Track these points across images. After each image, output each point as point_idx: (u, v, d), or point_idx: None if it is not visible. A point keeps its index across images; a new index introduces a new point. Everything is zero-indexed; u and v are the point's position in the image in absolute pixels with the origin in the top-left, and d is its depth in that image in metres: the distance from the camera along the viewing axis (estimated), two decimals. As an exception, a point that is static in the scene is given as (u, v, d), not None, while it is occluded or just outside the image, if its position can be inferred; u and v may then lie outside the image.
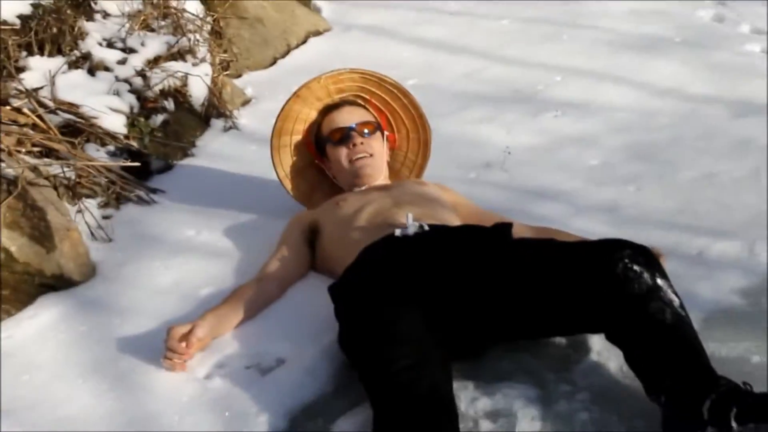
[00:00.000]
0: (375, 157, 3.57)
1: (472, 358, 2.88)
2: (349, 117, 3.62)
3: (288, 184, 3.70)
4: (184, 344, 2.80)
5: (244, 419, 2.70)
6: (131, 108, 4.20)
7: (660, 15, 5.85)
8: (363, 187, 3.51)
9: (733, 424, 2.34)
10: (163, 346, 2.85)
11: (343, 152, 3.56)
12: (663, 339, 2.59)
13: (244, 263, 3.37)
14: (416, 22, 5.87)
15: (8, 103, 3.79)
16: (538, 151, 4.29)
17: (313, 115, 3.70)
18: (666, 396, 2.52)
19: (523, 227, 3.26)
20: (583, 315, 2.76)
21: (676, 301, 2.64)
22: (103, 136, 4.00)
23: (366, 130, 3.59)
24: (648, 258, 2.71)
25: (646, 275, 2.65)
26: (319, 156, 3.70)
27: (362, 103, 3.72)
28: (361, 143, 3.55)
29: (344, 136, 3.56)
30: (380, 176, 3.58)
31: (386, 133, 3.70)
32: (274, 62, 5.31)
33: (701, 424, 2.39)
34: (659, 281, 2.65)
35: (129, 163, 3.95)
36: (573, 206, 3.72)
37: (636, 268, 2.65)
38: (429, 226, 3.07)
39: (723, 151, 4.20)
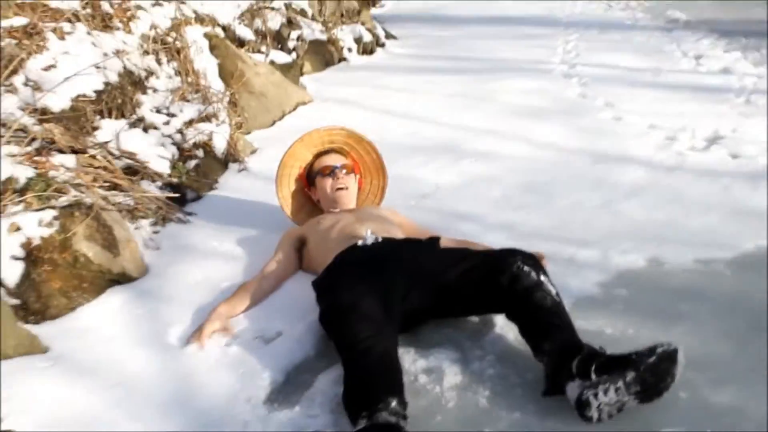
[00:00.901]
0: (349, 190, 3.59)
1: (413, 332, 2.88)
2: (335, 159, 3.65)
3: (285, 205, 3.70)
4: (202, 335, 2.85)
5: (253, 374, 2.72)
6: (173, 155, 4.18)
7: (542, 92, 5.90)
8: (337, 210, 3.51)
9: (593, 376, 2.39)
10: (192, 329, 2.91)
11: (328, 183, 3.57)
12: (544, 317, 2.65)
13: (251, 264, 3.37)
14: (373, 96, 5.90)
15: (87, 152, 3.77)
16: (459, 186, 4.30)
17: (308, 156, 3.71)
18: (547, 357, 2.57)
19: (448, 239, 3.27)
20: (489, 301, 2.81)
21: (553, 291, 2.70)
22: (153, 175, 3.98)
23: (345, 170, 3.61)
24: (534, 261, 2.76)
25: (533, 274, 2.71)
26: (308, 186, 3.69)
27: (345, 152, 3.73)
28: (341, 178, 3.57)
29: (331, 171, 3.58)
30: (351, 205, 3.59)
31: (357, 175, 3.70)
32: (273, 124, 5.29)
33: (571, 376, 2.45)
34: (542, 278, 2.71)
35: (171, 194, 3.93)
36: (482, 225, 3.73)
37: (525, 268, 2.71)
38: (382, 238, 3.10)
39: (585, 187, 4.23)
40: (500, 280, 2.72)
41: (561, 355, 2.52)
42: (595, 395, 2.36)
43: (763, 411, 2.44)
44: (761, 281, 3.19)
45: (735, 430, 2.37)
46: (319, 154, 3.70)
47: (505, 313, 2.79)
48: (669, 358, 2.37)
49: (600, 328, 2.90)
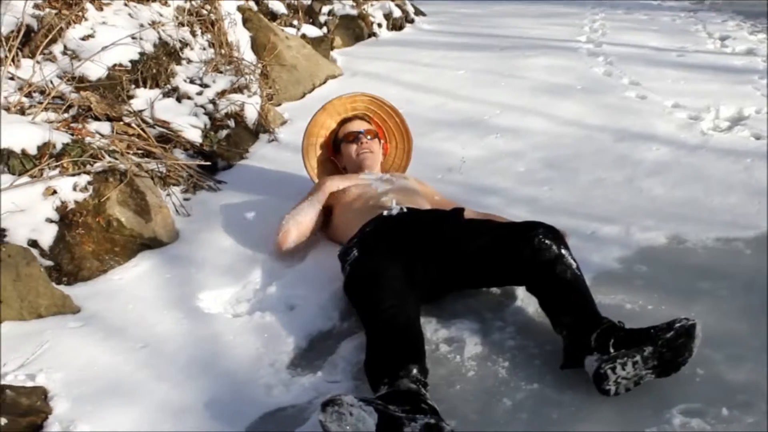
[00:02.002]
0: (374, 154, 3.56)
1: (435, 302, 2.86)
2: (359, 125, 3.62)
3: (313, 174, 3.68)
4: None
5: (277, 339, 2.72)
6: (205, 125, 4.18)
7: (567, 70, 5.84)
8: (364, 174, 3.47)
9: (611, 350, 2.37)
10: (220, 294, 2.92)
11: (353, 148, 3.55)
12: (564, 291, 2.61)
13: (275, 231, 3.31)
14: (401, 70, 5.87)
15: (122, 120, 3.78)
16: (483, 161, 4.27)
17: (332, 124, 3.69)
18: (566, 330, 2.55)
19: (472, 211, 3.23)
20: (511, 273, 2.77)
21: (574, 265, 2.65)
22: (185, 144, 3.98)
23: (369, 136, 3.59)
24: (556, 235, 2.71)
25: (554, 247, 2.66)
26: (334, 153, 3.68)
27: (368, 118, 3.69)
28: (366, 143, 3.55)
29: (355, 137, 3.56)
30: (376, 168, 3.55)
31: (381, 141, 3.68)
32: (303, 96, 5.28)
33: (589, 350, 2.42)
34: (563, 251, 2.66)
35: (203, 162, 3.94)
36: (506, 199, 3.70)
37: (547, 241, 2.67)
38: (407, 208, 3.06)
39: (608, 164, 4.19)
40: (522, 252, 2.68)
41: (580, 329, 2.50)
42: (613, 369, 2.33)
43: (781, 389, 2.40)
44: (783, 261, 3.15)
45: (750, 406, 2.32)
46: (343, 122, 3.68)
47: (526, 285, 2.75)
48: (687, 333, 2.34)
49: (620, 303, 2.86)
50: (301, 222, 3.19)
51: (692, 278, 3.05)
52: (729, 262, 3.18)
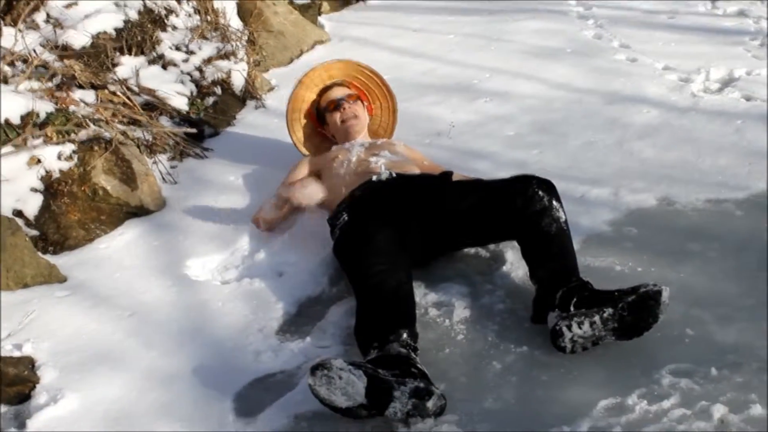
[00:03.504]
0: (359, 118, 3.51)
1: (425, 266, 2.86)
2: (339, 92, 3.56)
3: (301, 147, 3.63)
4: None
5: (266, 306, 2.73)
6: (191, 92, 4.14)
7: (557, 33, 5.77)
8: (352, 141, 3.43)
9: (571, 309, 2.41)
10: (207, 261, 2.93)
11: (337, 116, 3.49)
12: (545, 244, 2.64)
13: (265, 195, 3.33)
14: (390, 35, 5.79)
15: (106, 88, 3.74)
16: (473, 125, 4.22)
17: (312, 96, 3.62)
18: (538, 284, 2.60)
19: (460, 176, 3.20)
20: (503, 225, 2.77)
21: (562, 218, 2.68)
22: (171, 111, 3.95)
23: (351, 100, 3.53)
24: (549, 186, 2.74)
25: (545, 198, 2.68)
26: (319, 124, 3.63)
27: (347, 84, 3.64)
28: (348, 108, 3.50)
29: (336, 105, 3.51)
30: (363, 132, 3.51)
31: (365, 102, 3.63)
32: (291, 62, 5.21)
33: (552, 306, 2.47)
34: (554, 203, 2.69)
35: (189, 130, 3.89)
36: (496, 163, 3.67)
37: (540, 192, 2.69)
38: (396, 173, 3.05)
39: (598, 127, 4.15)
40: (515, 202, 2.69)
41: (549, 284, 2.54)
42: (569, 327, 2.37)
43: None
44: (770, 221, 3.16)
45: (739, 366, 2.34)
46: (323, 90, 3.61)
47: (515, 238, 2.76)
48: (652, 298, 2.36)
49: (609, 266, 2.86)
50: (269, 220, 3.13)
51: (682, 240, 3.05)
52: (719, 223, 3.17)
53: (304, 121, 3.64)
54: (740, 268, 2.85)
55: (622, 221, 3.20)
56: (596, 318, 2.35)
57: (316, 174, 3.34)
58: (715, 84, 4.73)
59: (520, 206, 2.68)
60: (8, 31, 3.66)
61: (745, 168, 3.59)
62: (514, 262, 2.88)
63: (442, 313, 2.67)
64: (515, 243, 2.79)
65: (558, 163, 3.70)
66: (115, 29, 4.12)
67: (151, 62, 4.17)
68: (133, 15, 4.26)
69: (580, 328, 2.36)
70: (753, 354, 2.39)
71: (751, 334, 2.48)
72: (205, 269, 2.91)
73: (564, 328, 2.37)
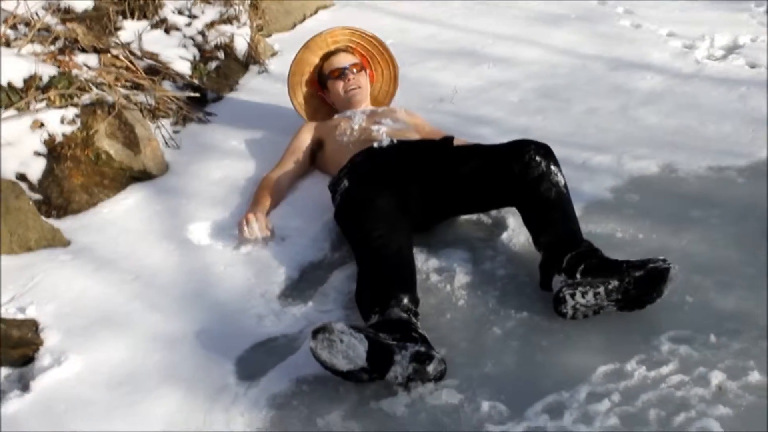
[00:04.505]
0: (362, 89, 3.49)
1: (426, 231, 2.86)
2: (343, 60, 3.52)
3: (301, 111, 3.61)
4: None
5: (269, 270, 2.73)
6: (194, 57, 4.12)
7: (562, -2, 5.78)
8: (353, 110, 3.41)
9: (578, 276, 2.41)
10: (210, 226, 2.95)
11: (340, 85, 3.46)
12: (546, 210, 2.63)
13: (268, 164, 3.31)
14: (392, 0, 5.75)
15: (109, 52, 3.72)
16: (476, 91, 4.21)
17: (315, 60, 3.58)
18: (543, 249, 2.59)
19: (462, 141, 3.20)
20: (502, 192, 2.76)
21: (561, 182, 2.67)
22: (174, 76, 3.93)
23: (355, 69, 3.50)
24: (546, 151, 2.72)
25: (543, 163, 2.67)
26: (321, 89, 3.60)
27: (351, 50, 3.61)
28: (352, 78, 3.47)
29: (341, 74, 3.47)
30: (365, 102, 3.50)
31: (367, 70, 3.60)
32: (293, 27, 5.17)
33: (558, 270, 2.47)
34: (552, 168, 2.67)
35: (192, 94, 3.88)
36: (499, 129, 3.64)
37: (537, 158, 2.67)
38: (397, 140, 3.04)
39: (602, 93, 4.15)
40: (513, 168, 2.68)
41: (555, 249, 2.54)
42: (572, 295, 2.37)
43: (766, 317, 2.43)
44: (773, 189, 3.15)
45: (738, 333, 2.35)
46: (327, 56, 3.58)
47: (515, 204, 2.76)
48: (659, 274, 2.36)
49: (611, 232, 2.86)
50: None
51: (684, 207, 3.05)
52: (721, 190, 3.17)
53: (305, 88, 3.62)
54: (741, 235, 2.86)
55: (624, 188, 3.20)
56: (601, 289, 2.36)
57: (319, 141, 3.33)
58: (719, 51, 4.73)
59: (518, 172, 2.67)
60: (10, -6, 3.64)
61: (748, 135, 3.60)
62: (515, 228, 2.87)
63: (443, 278, 2.67)
64: (515, 209, 2.78)
65: (561, 129, 3.70)
66: (119, -8, 4.10)
67: (154, 26, 4.15)
68: (137, -22, 4.24)
69: (584, 297, 2.37)
70: (752, 322, 2.40)
71: (751, 301, 2.49)
72: (208, 234, 2.90)
73: (568, 296, 2.38)
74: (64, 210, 2.98)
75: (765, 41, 4.75)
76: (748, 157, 3.41)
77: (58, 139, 3.02)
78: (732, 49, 4.71)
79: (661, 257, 2.40)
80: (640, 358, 2.26)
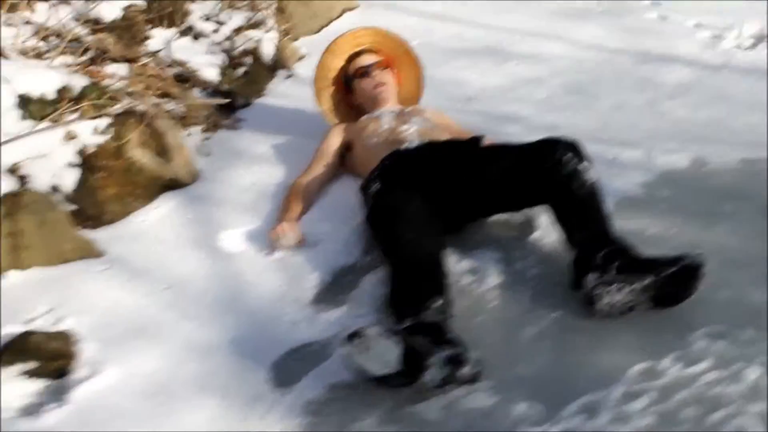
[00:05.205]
0: (388, 86, 3.48)
1: (457, 232, 2.84)
2: (367, 59, 3.52)
3: (328, 115, 3.60)
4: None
5: (301, 276, 2.73)
6: (222, 63, 4.10)
7: (587, -8, 5.75)
8: (382, 109, 3.39)
9: (611, 273, 2.39)
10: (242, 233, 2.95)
11: (365, 83, 3.47)
12: (578, 208, 2.61)
13: (296, 167, 3.32)
14: (417, 0, 5.73)
15: (138, 61, 3.73)
16: (503, 88, 4.20)
17: (340, 63, 3.58)
18: (577, 246, 2.56)
19: (491, 141, 3.15)
20: (533, 191, 2.74)
21: (592, 180, 2.64)
22: (203, 83, 3.93)
23: (379, 67, 3.50)
24: (576, 149, 2.69)
25: (573, 161, 2.64)
26: (347, 91, 3.58)
27: (375, 51, 3.59)
28: (377, 76, 3.47)
29: (365, 72, 3.48)
30: (392, 100, 3.47)
31: (393, 69, 3.58)
32: (320, 30, 5.15)
33: (591, 268, 2.43)
34: (580, 166, 2.64)
35: (221, 101, 3.88)
36: (527, 127, 3.62)
37: (567, 155, 2.65)
38: (427, 141, 3.04)
39: (629, 87, 4.13)
40: (543, 167, 2.66)
41: (588, 246, 2.51)
42: (608, 292, 2.37)
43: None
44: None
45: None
46: (351, 57, 3.57)
47: (548, 202, 2.73)
48: (692, 271, 2.36)
49: (642, 228, 2.83)
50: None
51: (715, 200, 3.03)
52: (752, 183, 3.14)
53: (332, 89, 3.61)
54: (776, 228, 2.83)
55: (654, 183, 3.18)
56: (636, 285, 2.35)
57: (348, 144, 3.33)
58: (748, 40, 4.70)
59: (548, 171, 2.65)
60: (41, 6, 3.65)
61: (778, 126, 3.54)
62: (546, 228, 2.85)
63: (475, 279, 2.66)
64: (546, 207, 2.75)
65: (589, 125, 3.67)
66: (146, 1, 4.10)
67: (182, 34, 4.16)
68: (163, -14, 4.26)
69: (619, 293, 2.36)
70: (789, 315, 2.37)
71: (787, 296, 2.46)
72: (240, 241, 2.91)
73: (604, 293, 2.37)
74: (98, 220, 2.98)
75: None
76: (781, 149, 3.36)
77: (91, 149, 3.03)
78: (761, 38, 4.67)
79: (694, 253, 2.38)
80: (675, 356, 2.24)
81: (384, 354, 2.12)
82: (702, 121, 3.68)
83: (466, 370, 2.17)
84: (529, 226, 2.92)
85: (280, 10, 4.86)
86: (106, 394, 2.22)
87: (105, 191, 3.01)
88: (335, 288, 2.69)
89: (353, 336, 2.14)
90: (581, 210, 2.61)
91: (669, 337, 2.32)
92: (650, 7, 5.36)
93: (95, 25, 3.77)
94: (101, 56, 3.62)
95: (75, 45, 3.54)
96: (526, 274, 2.68)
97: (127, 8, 3.97)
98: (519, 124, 3.69)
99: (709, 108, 3.81)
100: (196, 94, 3.84)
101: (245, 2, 4.62)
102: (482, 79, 4.30)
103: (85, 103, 3.12)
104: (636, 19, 5.14)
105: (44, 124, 3.00)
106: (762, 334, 2.30)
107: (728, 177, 3.20)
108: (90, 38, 3.65)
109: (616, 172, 3.18)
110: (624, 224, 2.74)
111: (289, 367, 2.33)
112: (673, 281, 2.35)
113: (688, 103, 3.88)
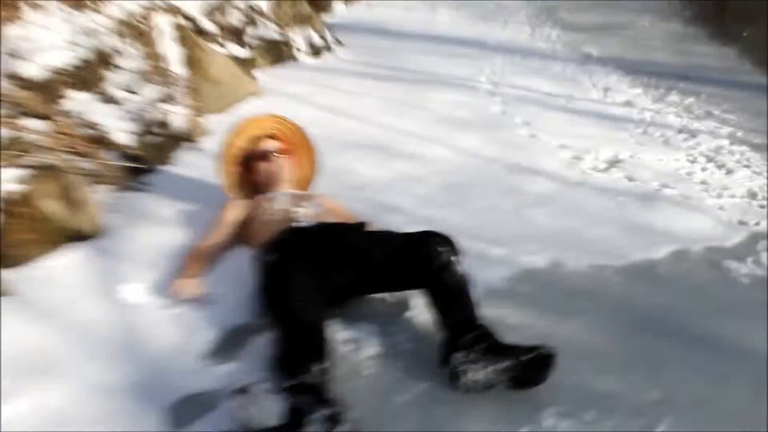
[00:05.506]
0: (284, 170, 3.56)
1: (340, 306, 2.90)
2: (268, 144, 3.61)
3: (228, 189, 3.62)
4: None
5: (197, 329, 2.76)
6: (133, 130, 4.11)
7: (468, 106, 5.93)
8: (275, 191, 3.47)
9: (474, 355, 2.50)
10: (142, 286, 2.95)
11: (263, 167, 3.55)
12: (448, 295, 2.72)
13: (196, 232, 3.36)
14: (318, 94, 5.86)
15: (56, 119, 3.71)
16: (388, 182, 4.30)
17: (243, 144, 3.65)
18: (446, 329, 2.66)
19: (374, 226, 3.28)
20: (409, 276, 2.84)
21: (461, 271, 2.76)
22: (114, 146, 3.91)
23: (279, 154, 3.58)
24: (450, 242, 2.82)
25: (444, 254, 2.76)
26: (246, 170, 3.65)
27: (276, 136, 3.69)
28: (275, 161, 3.55)
29: (265, 156, 3.56)
30: (287, 183, 3.55)
31: (290, 156, 3.67)
32: (226, 110, 5.19)
33: (460, 347, 2.53)
34: (452, 258, 2.77)
35: (130, 164, 3.90)
36: (408, 218, 3.74)
37: (440, 248, 2.78)
38: (317, 221, 3.13)
39: (500, 192, 4.29)
40: (419, 257, 2.77)
41: (455, 330, 2.61)
42: (473, 370, 2.47)
43: (637, 398, 2.56)
44: (644, 288, 3.32)
45: (612, 411, 2.48)
46: (254, 140, 3.64)
47: (422, 287, 2.82)
48: (546, 359, 2.49)
49: (503, 317, 2.93)
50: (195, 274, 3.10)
51: (567, 298, 3.18)
52: (599, 286, 3.32)
53: (233, 166, 3.65)
54: (615, 327, 3.01)
55: (516, 278, 3.31)
56: (493, 367, 2.46)
57: (243, 218, 3.37)
58: (602, 163, 4.94)
59: (424, 260, 2.77)
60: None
61: (624, 239, 3.78)
62: (419, 308, 2.94)
63: (354, 348, 2.72)
64: (422, 291, 2.84)
65: (463, 222, 3.79)
66: (66, 65, 4.09)
67: (98, 99, 4.15)
68: (83, 53, 4.24)
69: (482, 371, 2.47)
70: (624, 401, 2.54)
71: (623, 384, 2.63)
72: (141, 293, 2.90)
73: (462, 371, 2.48)
74: (9, 261, 2.93)
75: (641, 158, 5.00)
76: (624, 258, 3.58)
77: (4, 195, 3.00)
78: (613, 162, 4.92)
79: (548, 345, 2.51)
80: (528, 429, 2.37)
81: (268, 409, 2.17)
82: (560, 228, 3.85)
83: (344, 428, 2.22)
84: (404, 305, 3.00)
85: (192, 88, 4.90)
86: (14, 423, 2.21)
87: (15, 236, 2.98)
88: (227, 344, 2.70)
89: (241, 390, 2.19)
90: (451, 297, 2.72)
91: (523, 413, 2.43)
92: (522, 125, 5.59)
93: (19, 81, 3.75)
94: (20, 111, 3.59)
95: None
96: (400, 348, 2.75)
97: (47, 69, 3.96)
98: (400, 215, 3.79)
99: (566, 218, 3.98)
100: (108, 156, 3.83)
101: (159, 77, 4.65)
102: (371, 172, 4.39)
103: (3, 153, 3.10)
104: (509, 135, 5.35)
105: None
106: (602, 417, 2.45)
107: (579, 279, 3.36)
108: (12, 92, 3.63)
109: (483, 265, 3.28)
110: (488, 312, 2.83)
111: (182, 413, 2.34)
112: (529, 367, 2.48)
113: (549, 212, 4.04)
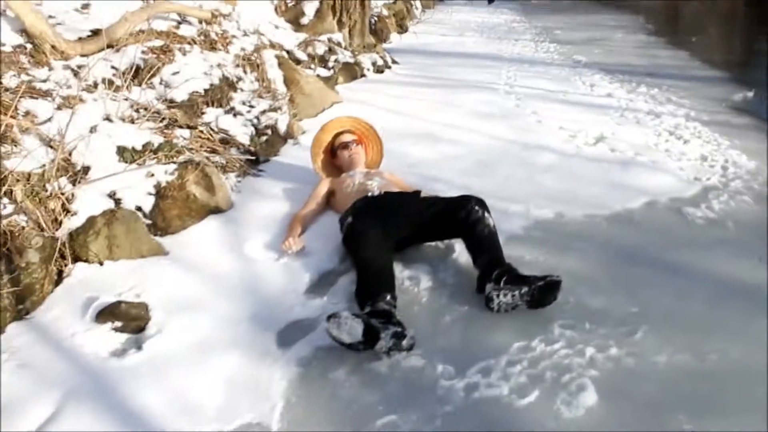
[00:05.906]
0: (359, 155, 3.50)
1: (401, 251, 2.84)
2: (347, 137, 3.54)
3: (319, 171, 3.58)
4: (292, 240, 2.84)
5: (299, 274, 2.71)
6: (252, 132, 4.10)
7: (491, 103, 5.78)
8: (353, 170, 3.40)
9: (501, 284, 2.43)
10: (261, 244, 2.92)
11: (345, 153, 3.49)
12: (482, 242, 2.64)
13: (297, 202, 3.32)
14: (381, 99, 5.75)
15: (197, 128, 3.73)
16: (435, 160, 4.21)
17: (329, 138, 3.60)
18: (479, 267, 2.59)
19: (426, 194, 3.17)
20: (452, 229, 2.76)
21: (491, 224, 2.68)
22: (238, 145, 3.92)
23: (355, 144, 3.52)
24: (482, 203, 2.73)
25: (479, 212, 2.68)
26: (332, 157, 3.60)
27: (352, 131, 3.62)
28: (353, 149, 3.49)
29: (345, 146, 3.50)
30: (361, 164, 3.49)
31: (363, 145, 3.60)
32: (316, 115, 5.16)
33: (489, 280, 2.47)
34: (485, 214, 2.68)
35: (249, 157, 3.89)
36: (449, 186, 3.63)
37: (476, 208, 2.69)
38: (384, 191, 3.06)
39: (516, 164, 4.16)
40: (459, 215, 2.70)
41: (487, 267, 2.54)
42: (498, 295, 2.41)
43: (621, 312, 2.46)
44: (624, 230, 3.19)
45: (603, 322, 2.39)
46: (336, 135, 3.59)
47: (461, 237, 2.75)
48: (553, 285, 2.41)
49: (521, 255, 2.87)
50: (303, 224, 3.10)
51: (567, 240, 3.07)
52: (591, 230, 3.19)
53: (322, 155, 3.61)
54: (604, 259, 2.88)
55: (530, 227, 3.20)
56: (516, 292, 2.39)
57: (331, 191, 3.32)
58: (591, 140, 4.75)
59: (463, 217, 2.69)
60: (136, 89, 3.65)
61: (608, 196, 3.60)
62: (460, 252, 2.87)
63: (412, 283, 2.67)
64: (461, 240, 2.78)
65: (490, 187, 3.65)
66: (204, 89, 4.10)
67: (227, 112, 4.15)
68: (216, 80, 4.25)
69: (505, 297, 2.40)
70: (611, 314, 2.44)
71: (611, 302, 2.52)
72: (258, 249, 2.89)
73: (494, 296, 2.41)
74: (165, 231, 2.96)
75: (619, 135, 4.82)
76: (609, 209, 3.42)
77: (162, 184, 3.02)
78: (600, 138, 4.74)
79: (555, 274, 2.44)
80: (540, 338, 2.28)
81: (351, 329, 2.14)
82: (562, 189, 3.71)
83: (405, 342, 2.19)
84: (449, 251, 2.93)
85: (291, 101, 4.88)
86: (168, 346, 2.21)
87: (170, 212, 3.00)
88: (321, 284, 2.68)
89: (331, 317, 2.16)
90: (483, 243, 2.64)
91: (537, 326, 2.35)
92: (531, 114, 5.45)
93: (170, 103, 3.77)
94: (172, 124, 3.61)
95: (156, 116, 3.55)
96: (446, 282, 2.69)
97: (191, 93, 3.97)
98: (444, 184, 3.70)
99: (566, 181, 3.84)
100: (233, 152, 3.84)
101: (269, 94, 4.64)
102: (421, 153, 4.31)
103: (160, 154, 3.12)
104: (522, 122, 5.19)
105: (133, 166, 2.99)
106: (596, 326, 2.35)
107: (576, 226, 3.24)
108: (166, 111, 3.65)
109: (506, 218, 3.20)
110: (510, 252, 2.77)
111: (288, 334, 2.33)
112: (542, 291, 2.40)
113: (553, 177, 3.91)
